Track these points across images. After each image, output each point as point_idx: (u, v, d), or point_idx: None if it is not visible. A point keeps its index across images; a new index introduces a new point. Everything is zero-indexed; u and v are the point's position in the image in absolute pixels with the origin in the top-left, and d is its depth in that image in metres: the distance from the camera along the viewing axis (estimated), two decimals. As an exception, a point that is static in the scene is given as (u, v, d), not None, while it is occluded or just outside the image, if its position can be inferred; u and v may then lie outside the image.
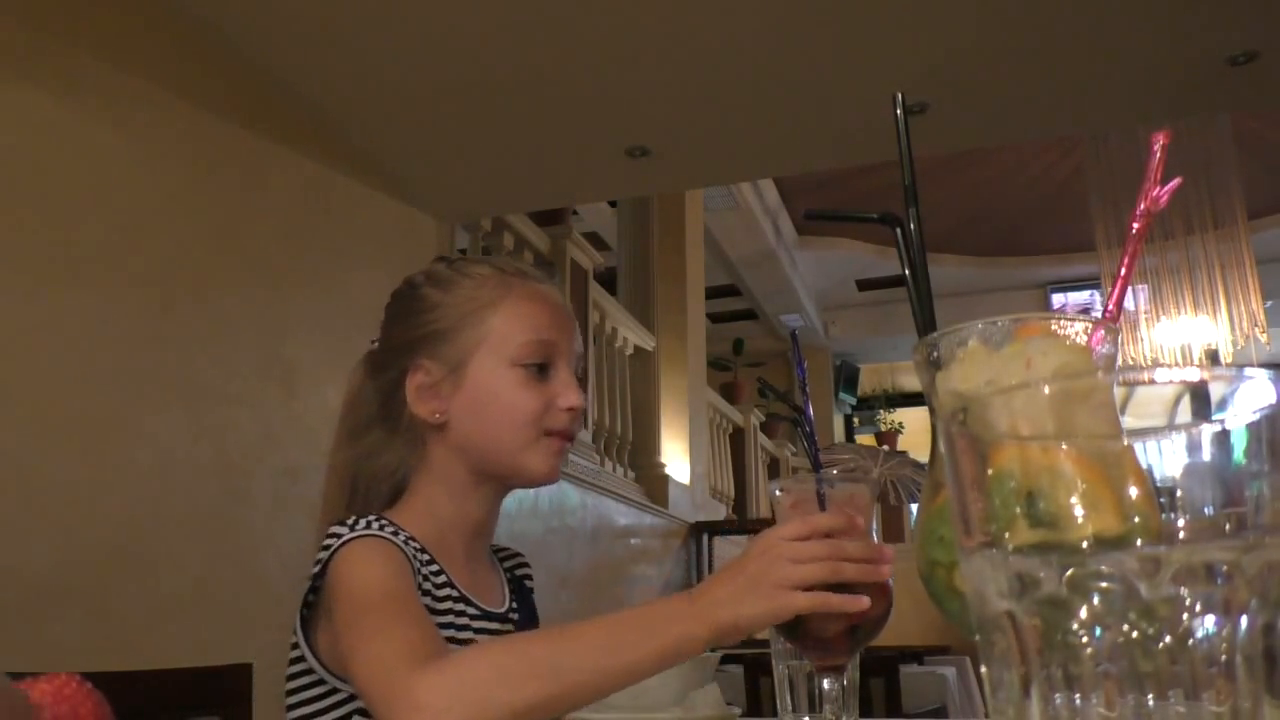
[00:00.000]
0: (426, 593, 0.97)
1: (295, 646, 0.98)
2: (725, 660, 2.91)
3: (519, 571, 1.20)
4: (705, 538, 5.88)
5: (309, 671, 0.97)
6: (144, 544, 2.28)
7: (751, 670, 2.85)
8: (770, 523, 0.88)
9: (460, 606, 1.01)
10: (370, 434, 1.10)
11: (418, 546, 0.99)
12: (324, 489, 1.12)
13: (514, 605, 1.11)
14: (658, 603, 0.82)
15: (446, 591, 1.01)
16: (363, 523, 0.95)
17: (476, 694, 0.74)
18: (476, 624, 1.02)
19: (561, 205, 4.71)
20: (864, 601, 0.78)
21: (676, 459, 5.67)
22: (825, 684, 0.84)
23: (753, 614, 0.77)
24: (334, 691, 0.96)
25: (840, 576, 0.77)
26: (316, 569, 0.94)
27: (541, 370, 1.05)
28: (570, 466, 4.28)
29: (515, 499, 3.81)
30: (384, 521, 0.97)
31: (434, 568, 1.00)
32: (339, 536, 0.94)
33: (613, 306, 5.12)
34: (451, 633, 0.99)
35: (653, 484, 5.36)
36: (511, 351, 1.04)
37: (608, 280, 5.59)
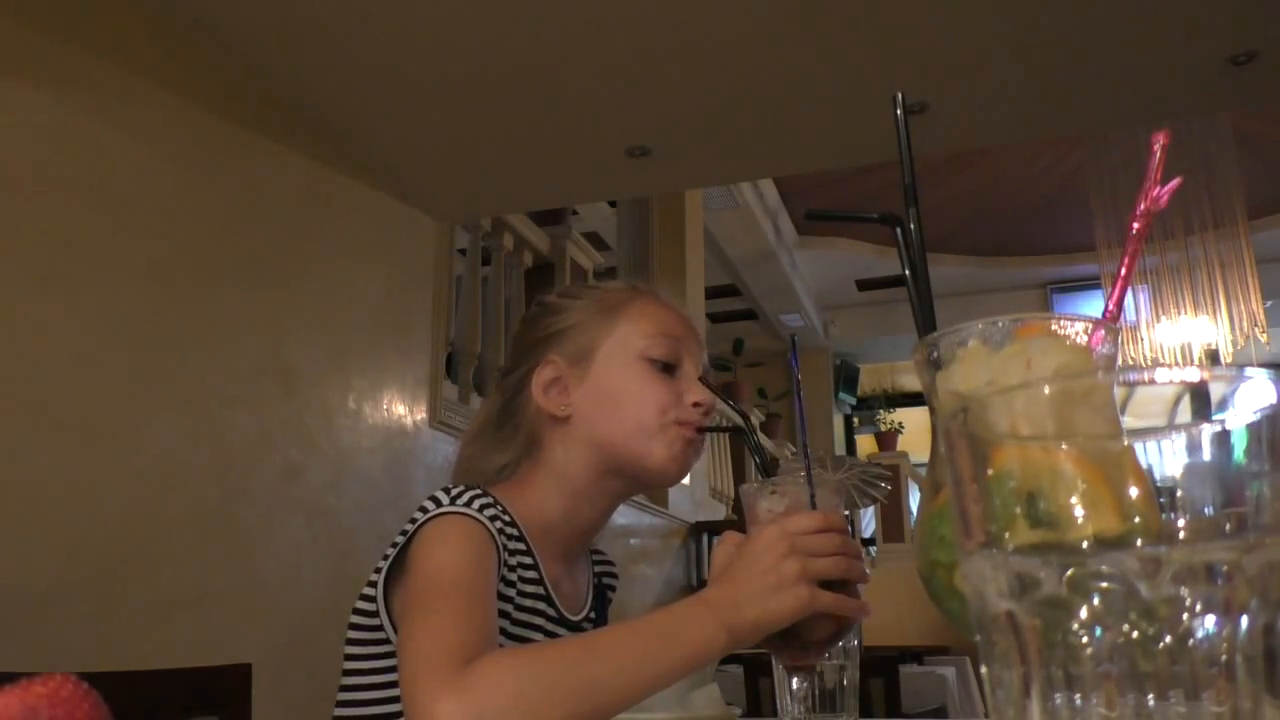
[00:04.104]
0: (511, 583, 0.96)
1: (369, 600, 0.97)
2: (725, 660, 2.91)
3: (606, 579, 1.20)
4: (705, 538, 5.88)
5: (377, 627, 0.96)
6: (144, 544, 2.28)
7: (751, 670, 2.84)
8: (738, 525, 0.88)
9: (542, 606, 1.01)
10: (488, 434, 1.11)
11: (515, 534, 0.98)
12: (452, 477, 1.14)
13: (592, 614, 1.10)
14: (675, 609, 0.81)
15: (533, 588, 1.00)
16: (464, 496, 0.94)
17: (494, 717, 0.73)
18: (551, 626, 1.02)
19: (561, 205, 4.71)
20: (868, 607, 0.78)
21: (676, 459, 5.66)
22: (794, 683, 0.84)
23: (778, 611, 0.76)
24: (394, 653, 0.95)
25: (852, 572, 0.77)
26: (410, 527, 0.94)
27: (667, 369, 1.05)
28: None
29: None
30: (487, 500, 0.96)
31: (528, 560, 1.00)
32: (437, 503, 0.94)
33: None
34: (526, 631, 0.98)
35: (652, 484, 5.35)
36: (640, 346, 1.05)
37: (608, 280, 5.58)
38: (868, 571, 0.81)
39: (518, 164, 3.36)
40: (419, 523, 0.93)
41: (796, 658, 0.83)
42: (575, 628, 1.05)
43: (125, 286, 2.33)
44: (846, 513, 0.94)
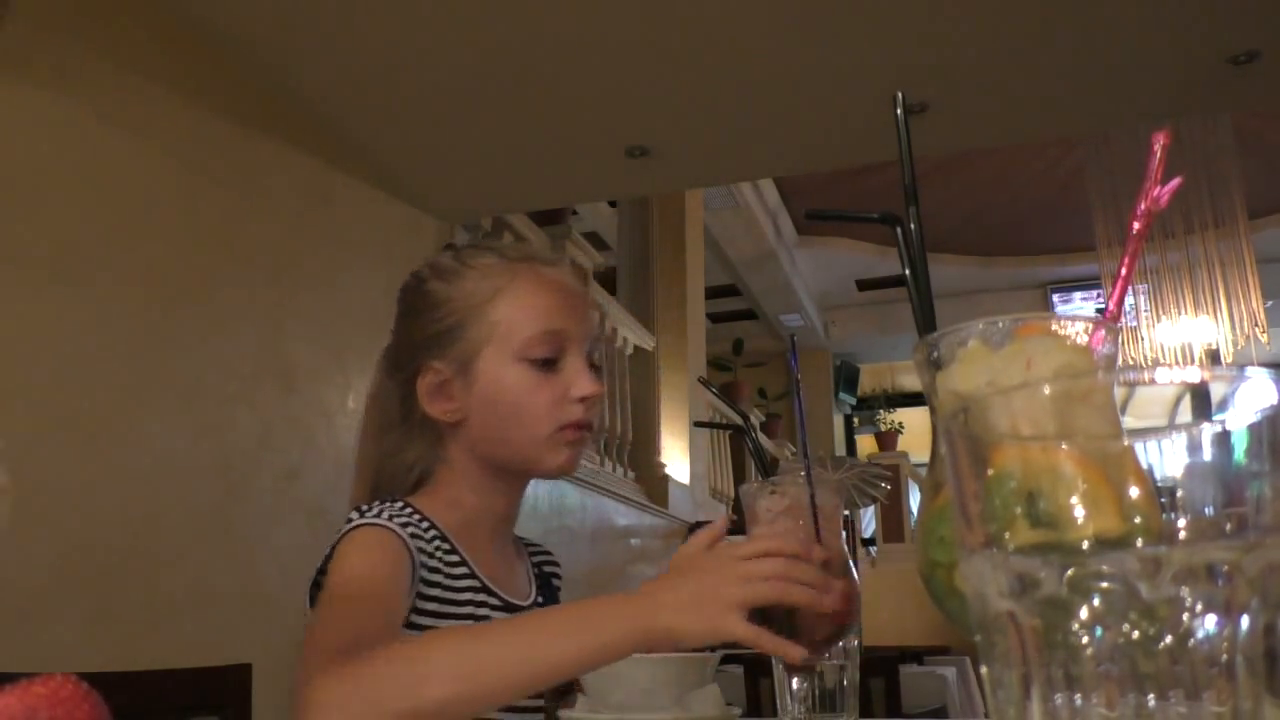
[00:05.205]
0: (436, 583, 0.97)
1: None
2: (725, 660, 2.91)
3: (547, 568, 1.20)
4: (705, 538, 5.87)
5: None
6: (144, 544, 2.28)
7: (751, 670, 2.84)
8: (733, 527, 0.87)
9: (482, 597, 1.01)
10: (392, 432, 1.10)
11: (438, 535, 0.99)
12: (351, 487, 1.12)
13: (539, 600, 1.11)
14: (595, 600, 0.80)
15: (467, 583, 1.01)
16: (375, 509, 0.96)
17: (369, 699, 0.73)
18: (497, 615, 1.02)
19: (561, 205, 4.71)
20: (796, 652, 0.75)
21: (676, 459, 5.67)
22: (794, 683, 0.84)
23: (691, 630, 0.75)
24: None
25: (789, 598, 0.75)
26: (329, 551, 0.95)
27: (550, 363, 1.03)
28: (570, 466, 4.27)
29: (515, 499, 3.81)
30: (407, 510, 0.98)
31: (454, 558, 1.00)
32: (349, 521, 0.96)
33: (613, 306, 5.12)
34: (470, 624, 0.99)
35: (653, 484, 5.36)
36: (518, 346, 1.03)
37: (608, 280, 5.59)
38: (858, 586, 0.79)
39: (518, 164, 3.36)
40: (334, 544, 0.94)
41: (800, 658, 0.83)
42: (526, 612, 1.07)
43: (125, 286, 2.33)
44: (846, 513, 0.94)
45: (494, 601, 1.02)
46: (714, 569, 0.77)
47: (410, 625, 0.95)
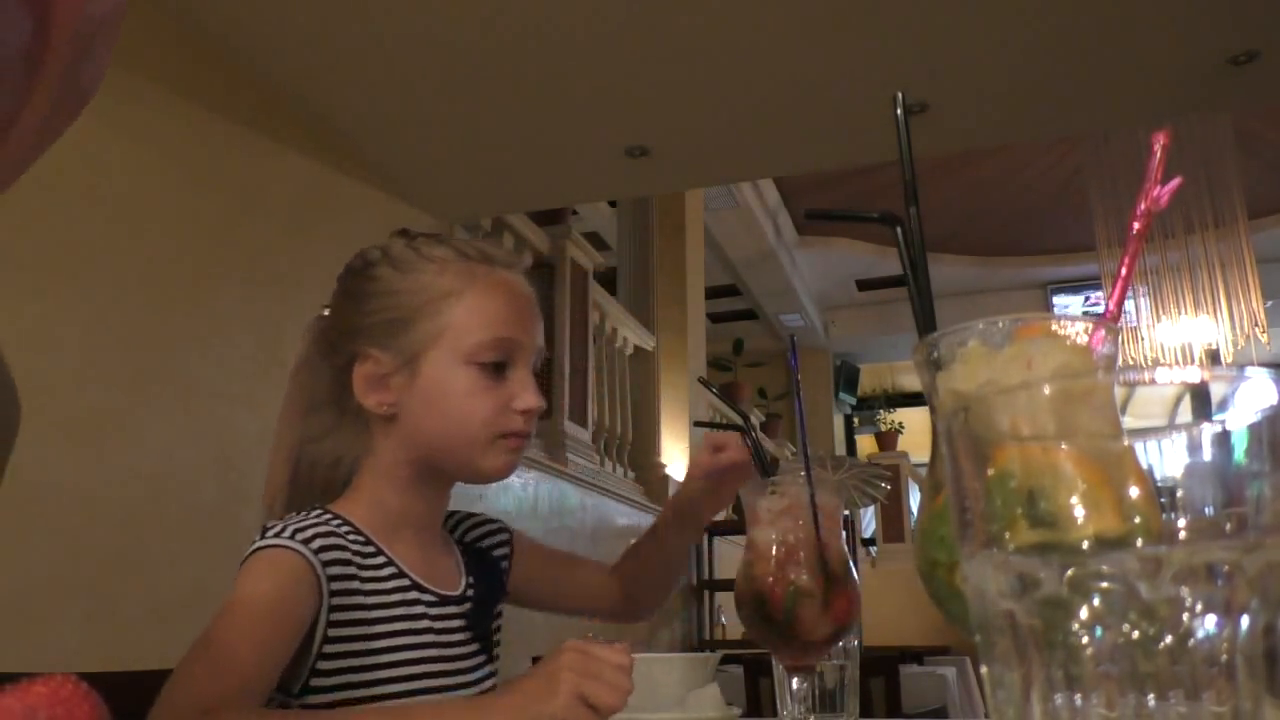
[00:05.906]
0: (355, 590, 0.96)
1: None
2: (725, 660, 2.91)
3: (482, 544, 1.17)
4: (706, 537, 5.88)
5: None
6: (144, 544, 2.28)
7: (751, 670, 2.84)
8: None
9: (414, 595, 1.00)
10: (319, 415, 1.07)
11: (361, 538, 0.98)
12: (269, 464, 1.08)
13: (470, 581, 1.09)
14: (455, 705, 0.82)
15: (396, 583, 0.99)
16: (284, 530, 0.93)
17: None
18: (434, 610, 1.01)
19: (561, 205, 4.72)
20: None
21: (676, 459, 5.67)
22: (794, 683, 0.84)
23: (536, 715, 0.75)
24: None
25: (606, 701, 0.76)
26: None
27: (499, 368, 1.01)
28: (570, 466, 4.28)
29: (515, 500, 3.81)
30: (325, 517, 0.97)
31: (379, 560, 0.99)
32: (254, 542, 0.94)
33: (613, 306, 5.12)
34: (406, 624, 0.98)
35: (653, 484, 5.35)
36: (468, 349, 1.00)
37: (608, 280, 5.59)
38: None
39: (518, 164, 3.36)
40: (241, 562, 0.93)
41: (797, 658, 0.83)
42: (459, 602, 1.05)
43: (125, 286, 2.33)
44: (846, 513, 0.95)
45: (428, 598, 1.01)
46: (561, 665, 0.77)
47: (329, 640, 0.93)
